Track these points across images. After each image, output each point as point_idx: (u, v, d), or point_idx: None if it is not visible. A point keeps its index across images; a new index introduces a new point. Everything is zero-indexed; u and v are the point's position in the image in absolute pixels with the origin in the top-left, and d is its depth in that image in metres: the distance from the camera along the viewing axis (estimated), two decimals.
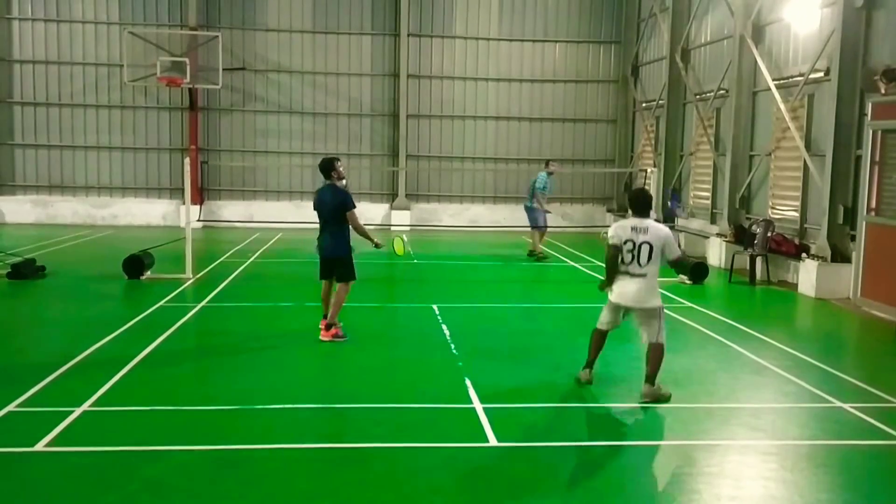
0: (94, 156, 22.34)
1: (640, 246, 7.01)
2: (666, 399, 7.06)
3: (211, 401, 6.91)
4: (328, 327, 9.07)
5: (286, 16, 22.43)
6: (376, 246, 9.24)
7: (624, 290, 7.13)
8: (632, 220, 7.16)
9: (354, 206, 8.99)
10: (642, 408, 6.94)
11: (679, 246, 7.89)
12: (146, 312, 10.37)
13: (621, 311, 7.32)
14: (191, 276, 13.02)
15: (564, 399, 7.09)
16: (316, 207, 9.17)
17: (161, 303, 11.02)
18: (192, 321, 10.13)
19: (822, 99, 13.40)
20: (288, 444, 5.86)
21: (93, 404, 6.60)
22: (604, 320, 7.45)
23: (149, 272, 13.10)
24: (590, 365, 7.53)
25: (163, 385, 7.33)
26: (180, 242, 13.74)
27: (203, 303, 11.21)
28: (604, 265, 7.38)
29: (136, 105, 22.28)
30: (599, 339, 7.50)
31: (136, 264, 12.93)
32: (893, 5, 11.69)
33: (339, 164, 9.15)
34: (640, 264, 7.03)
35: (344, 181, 9.26)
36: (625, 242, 7.06)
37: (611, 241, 7.15)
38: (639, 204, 7.24)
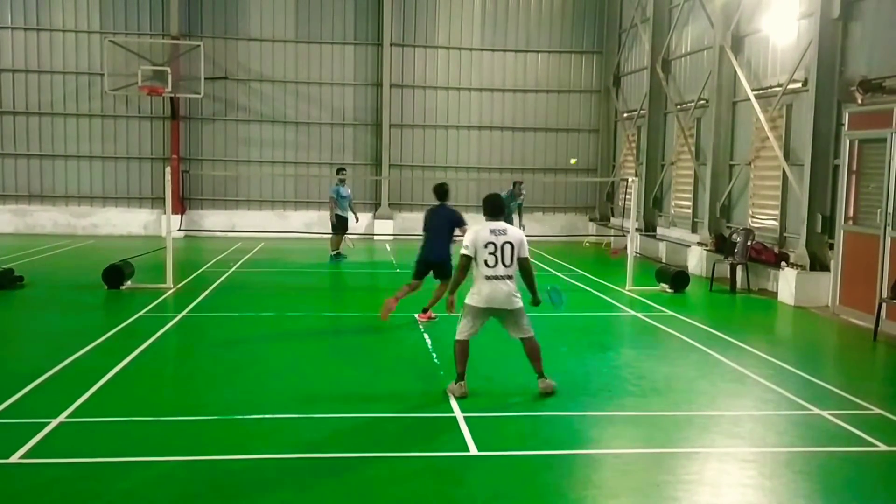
0: (74, 165, 22.18)
1: (502, 247, 7.13)
2: (555, 391, 7.36)
3: (189, 411, 6.86)
4: (425, 311, 10.78)
5: (269, 25, 22.42)
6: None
7: (494, 294, 7.16)
8: (489, 225, 7.26)
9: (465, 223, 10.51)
10: (622, 416, 6.97)
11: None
12: (126, 323, 10.29)
13: (487, 316, 7.34)
14: (171, 285, 12.94)
15: (546, 408, 7.09)
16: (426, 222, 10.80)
17: (141, 313, 10.94)
18: (173, 331, 10.06)
19: (801, 109, 13.54)
20: (267, 454, 5.82)
21: (70, 415, 6.54)
22: (466, 330, 7.37)
23: (129, 282, 13.01)
24: (461, 378, 7.39)
25: (141, 396, 7.27)
26: (161, 252, 13.66)
27: (183, 313, 11.14)
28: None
29: (117, 114, 22.16)
30: (464, 349, 7.41)
31: (116, 274, 12.83)
32: (869, 17, 11.86)
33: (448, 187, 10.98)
34: (504, 265, 7.15)
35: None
36: (486, 246, 7.12)
37: (464, 252, 7.19)
38: (493, 208, 7.37)
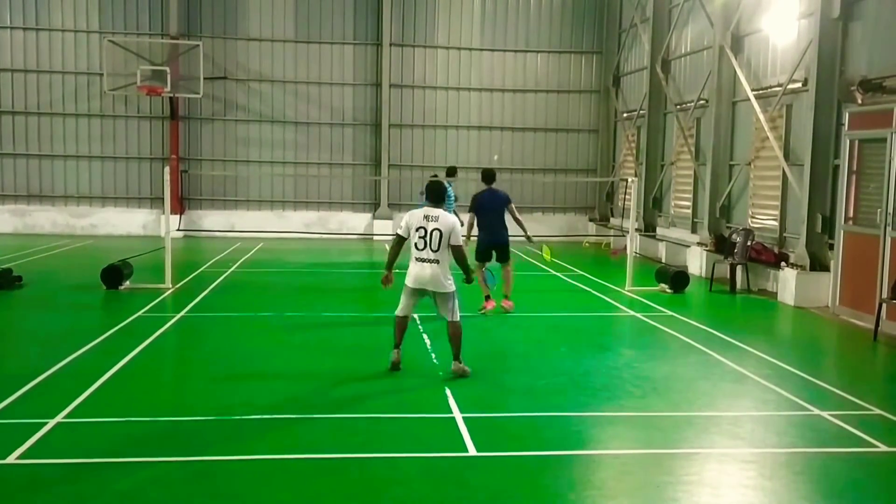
0: (73, 165, 22.16)
1: (431, 233, 7.69)
2: (468, 375, 7.87)
3: (188, 411, 6.83)
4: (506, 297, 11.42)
5: (268, 25, 22.40)
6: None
7: (420, 275, 7.77)
8: (424, 210, 7.85)
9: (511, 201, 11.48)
10: (622, 416, 6.95)
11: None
12: (124, 323, 10.26)
13: (418, 295, 7.98)
14: (170, 286, 12.92)
15: (544, 408, 7.06)
16: (479, 207, 11.29)
17: (139, 313, 10.91)
18: (171, 331, 10.04)
19: (801, 109, 13.52)
20: (264, 454, 5.79)
21: (67, 415, 6.51)
22: (401, 306, 8.07)
23: (127, 282, 12.98)
24: (397, 346, 8.12)
25: (139, 396, 7.25)
26: (160, 252, 13.63)
27: (182, 313, 11.12)
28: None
29: (116, 114, 22.14)
30: (402, 323, 8.12)
31: (114, 274, 12.80)
32: (870, 17, 11.83)
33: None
34: (432, 250, 7.70)
35: None
36: (417, 230, 7.71)
37: (398, 231, 7.92)
38: (432, 194, 7.95)
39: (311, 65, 22.67)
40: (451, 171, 15.42)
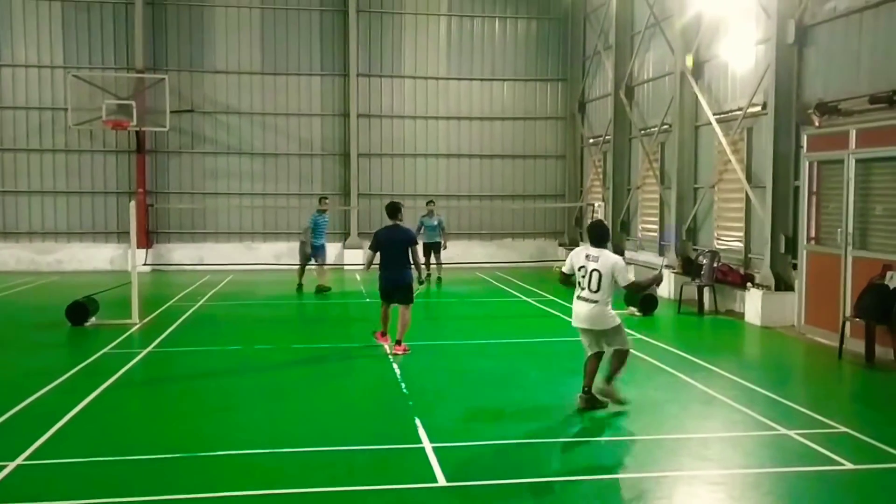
0: (38, 201, 21.87)
1: (590, 273, 7.58)
2: (614, 401, 7.74)
3: (154, 450, 6.70)
4: (399, 343, 10.46)
5: (234, 57, 22.41)
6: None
7: (579, 313, 7.72)
8: (587, 249, 7.77)
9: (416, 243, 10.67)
10: (592, 442, 6.95)
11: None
12: (89, 360, 10.09)
13: (584, 335, 7.85)
14: (137, 321, 12.75)
15: (515, 436, 7.04)
16: (382, 244, 10.44)
17: (105, 349, 10.75)
18: (138, 367, 9.89)
19: (761, 132, 13.78)
20: (233, 491, 5.71)
21: (28, 458, 6.37)
22: (584, 345, 7.92)
23: (93, 318, 12.79)
24: (586, 389, 7.85)
25: (104, 435, 7.12)
26: (127, 287, 13.45)
27: (149, 348, 10.97)
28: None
29: (82, 149, 21.93)
30: (591, 363, 7.85)
31: (79, 311, 12.62)
32: (823, 42, 12.13)
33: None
34: (591, 290, 7.60)
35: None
36: (578, 269, 7.67)
37: (562, 268, 7.97)
38: (594, 235, 7.88)
39: (279, 96, 22.69)
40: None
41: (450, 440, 6.89)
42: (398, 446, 6.79)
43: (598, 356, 7.86)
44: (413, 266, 10.51)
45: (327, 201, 18.45)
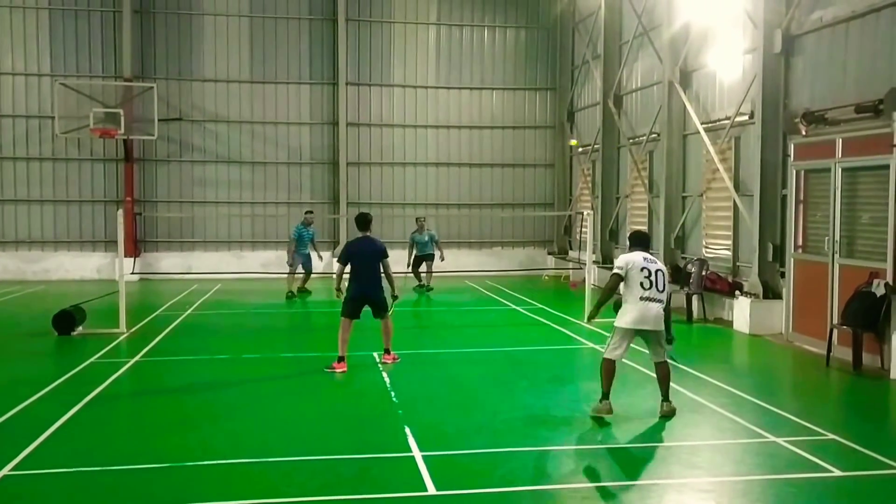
0: (24, 209, 21.73)
1: (656, 273, 7.74)
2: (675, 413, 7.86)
3: (141, 459, 6.65)
4: (388, 352, 10.47)
5: (223, 66, 22.38)
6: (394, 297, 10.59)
7: (646, 315, 7.69)
8: (640, 253, 7.89)
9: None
10: (582, 450, 6.95)
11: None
12: (76, 369, 10.03)
13: (631, 337, 7.86)
14: (124, 330, 12.68)
15: (504, 444, 7.04)
16: (354, 257, 10.14)
17: (92, 359, 10.68)
18: (125, 377, 9.83)
19: (748, 141, 13.87)
20: (221, 501, 5.67)
21: (14, 468, 6.31)
22: (617, 350, 7.85)
23: (80, 328, 12.71)
24: (606, 396, 7.79)
25: (91, 445, 7.06)
26: (114, 296, 13.38)
27: (136, 358, 10.90)
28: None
29: (69, 157, 21.80)
30: (610, 368, 7.85)
31: (66, 320, 12.53)
32: (809, 52, 12.24)
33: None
34: (658, 290, 7.72)
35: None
36: (641, 270, 7.71)
37: (616, 271, 7.83)
38: (640, 241, 8.16)
39: (268, 105, 22.66)
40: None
41: (439, 449, 6.88)
42: (388, 455, 6.77)
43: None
44: (385, 277, 10.27)
45: (312, 214, 18.31)
